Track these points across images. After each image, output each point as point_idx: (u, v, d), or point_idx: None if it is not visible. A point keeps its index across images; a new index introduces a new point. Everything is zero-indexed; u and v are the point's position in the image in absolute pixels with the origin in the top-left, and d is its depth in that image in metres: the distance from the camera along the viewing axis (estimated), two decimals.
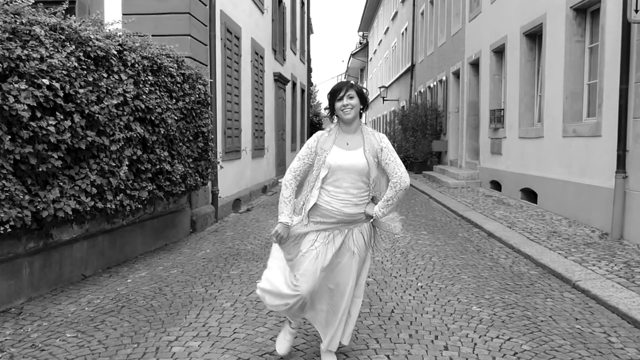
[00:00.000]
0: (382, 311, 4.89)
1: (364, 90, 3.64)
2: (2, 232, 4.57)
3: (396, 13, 31.56)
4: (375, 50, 43.05)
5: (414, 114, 21.62)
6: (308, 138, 31.49)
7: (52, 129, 4.78)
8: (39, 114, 4.74)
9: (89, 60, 5.43)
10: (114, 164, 5.78)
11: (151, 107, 6.44)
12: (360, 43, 51.53)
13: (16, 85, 4.53)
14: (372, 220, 3.66)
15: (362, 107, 3.61)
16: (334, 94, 3.57)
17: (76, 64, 5.14)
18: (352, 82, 3.65)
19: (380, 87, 32.28)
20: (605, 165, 8.25)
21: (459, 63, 17.70)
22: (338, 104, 3.55)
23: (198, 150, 8.08)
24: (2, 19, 4.73)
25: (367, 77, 48.58)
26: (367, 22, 45.45)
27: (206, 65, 9.56)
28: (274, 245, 3.69)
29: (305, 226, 3.58)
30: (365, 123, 3.83)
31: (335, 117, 3.64)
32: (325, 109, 3.72)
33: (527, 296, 5.36)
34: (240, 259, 6.95)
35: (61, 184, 5.11)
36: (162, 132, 6.76)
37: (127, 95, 5.96)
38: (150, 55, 6.65)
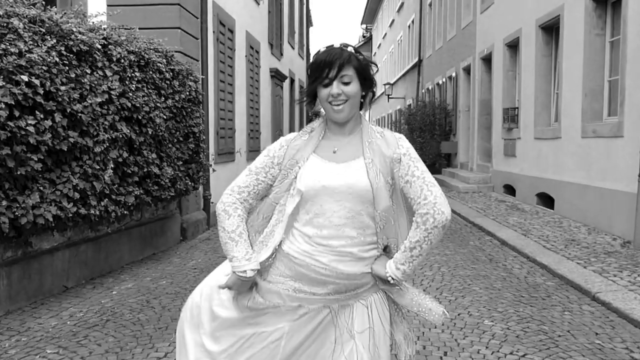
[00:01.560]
0: None
1: (371, 67, 2.36)
2: None
3: (402, 4, 31.63)
4: (380, 44, 43.13)
5: (422, 113, 21.65)
6: None
7: (31, 129, 4.79)
8: (17, 113, 4.74)
9: (71, 55, 5.44)
10: (98, 167, 5.79)
11: (138, 105, 6.45)
12: (364, 36, 51.63)
13: None
14: (386, 286, 2.35)
15: (364, 94, 2.36)
16: (317, 72, 2.29)
17: (57, 59, 5.15)
18: (350, 48, 2.32)
19: (385, 84, 32.34)
20: (628, 168, 8.25)
21: (469, 58, 17.73)
22: (323, 91, 2.29)
23: (189, 152, 8.09)
24: None
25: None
26: (370, 14, 45.56)
27: (197, 61, 9.57)
28: (208, 290, 2.60)
29: (266, 282, 2.36)
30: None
31: (318, 107, 2.43)
32: (300, 94, 2.62)
33: (544, 309, 5.36)
34: None
35: (41, 188, 5.12)
36: (150, 133, 6.77)
37: (112, 92, 5.97)
38: (137, 50, 6.67)
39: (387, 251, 2.34)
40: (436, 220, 2.19)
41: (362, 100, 2.36)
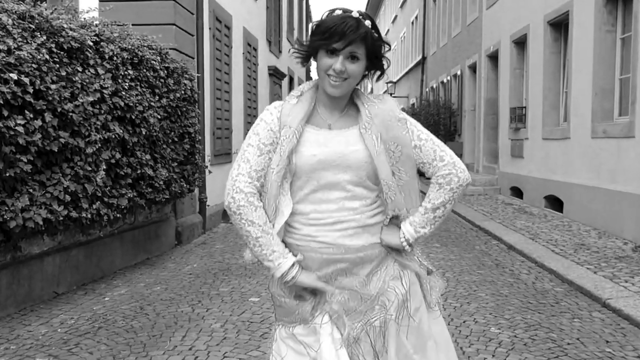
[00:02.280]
0: None
1: (384, 46, 2.22)
2: None
3: (405, 0, 31.64)
4: None
5: (425, 112, 21.66)
6: None
7: (20, 129, 4.79)
8: (5, 113, 4.74)
9: (62, 53, 5.45)
10: (90, 169, 5.79)
11: (131, 104, 6.46)
12: None
13: None
14: (397, 254, 2.29)
15: (366, 72, 2.25)
16: (324, 37, 2.12)
17: (47, 57, 5.16)
18: (367, 22, 2.13)
19: (387, 83, 32.36)
20: (639, 169, 8.26)
21: (475, 55, 17.74)
22: (325, 61, 2.14)
23: (184, 153, 8.09)
24: None
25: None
26: (372, 10, 45.54)
27: (193, 58, 9.58)
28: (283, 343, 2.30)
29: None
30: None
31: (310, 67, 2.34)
32: (297, 49, 2.30)
33: (552, 316, 5.36)
34: (231, 274, 6.95)
35: (31, 190, 5.12)
36: (144, 133, 6.77)
37: (105, 91, 5.98)
38: (130, 47, 6.67)
39: (395, 222, 2.26)
40: (460, 179, 2.21)
41: (364, 74, 2.24)
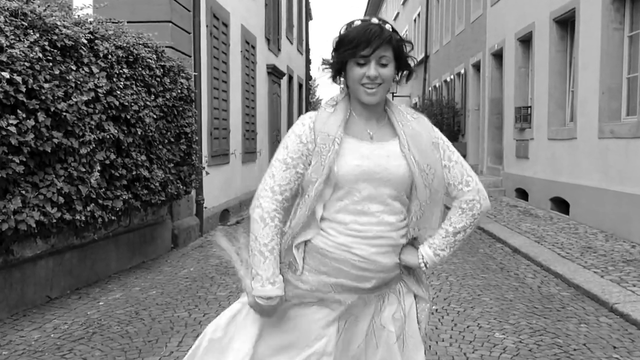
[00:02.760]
0: None
1: (406, 45, 2.31)
2: None
3: None
4: None
5: (428, 112, 21.65)
6: None
7: (12, 129, 4.79)
8: None
9: (55, 51, 5.45)
10: (84, 170, 5.79)
11: (126, 104, 6.46)
12: None
13: None
14: (409, 275, 2.43)
15: (398, 75, 2.34)
16: (350, 48, 2.21)
17: (40, 55, 5.16)
18: (388, 26, 2.24)
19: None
20: None
21: (479, 54, 17.74)
22: (357, 71, 2.21)
23: (180, 154, 8.09)
24: None
25: None
26: (374, 7, 45.53)
27: (190, 57, 9.58)
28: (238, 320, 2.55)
29: (301, 282, 2.30)
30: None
31: (342, 84, 2.36)
32: (324, 63, 2.36)
33: (558, 321, 5.36)
34: (228, 278, 6.95)
35: (23, 192, 5.12)
36: (139, 133, 6.77)
37: (99, 90, 5.98)
38: (125, 45, 6.68)
39: (414, 244, 2.37)
40: (482, 207, 2.36)
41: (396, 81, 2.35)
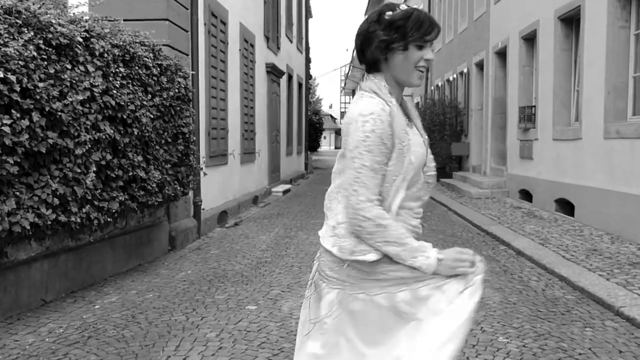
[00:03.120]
0: None
1: None
2: None
3: None
4: None
5: (430, 112, 21.67)
6: (306, 141, 30.07)
7: (6, 129, 4.79)
8: None
9: (50, 49, 5.45)
10: (80, 171, 5.79)
11: (123, 103, 6.46)
12: None
13: None
14: None
15: None
16: (418, 30, 2.27)
17: (35, 54, 5.16)
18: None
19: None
20: None
21: (482, 52, 17.75)
22: (416, 54, 2.29)
23: (178, 155, 8.09)
24: None
25: None
26: (375, 4, 45.53)
27: (187, 55, 9.59)
28: None
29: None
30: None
31: (379, 65, 2.37)
32: (386, 40, 2.29)
33: (563, 325, 5.36)
34: (226, 281, 6.96)
35: (17, 193, 5.12)
36: (136, 133, 6.77)
37: (95, 89, 5.98)
38: (121, 43, 6.68)
39: None
40: None
41: None
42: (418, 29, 2.25)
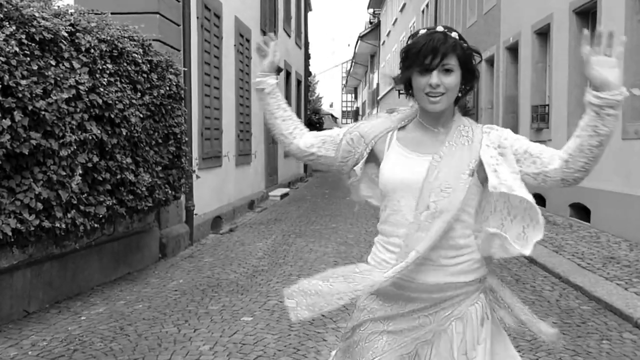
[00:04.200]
0: None
1: (474, 56, 2.47)
2: None
3: None
4: (389, 31, 43.18)
5: None
6: None
7: None
8: None
9: (34, 45, 5.45)
10: (65, 173, 5.79)
11: (110, 102, 6.46)
12: (371, 23, 51.76)
13: None
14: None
15: (464, 87, 2.48)
16: (415, 58, 2.37)
17: (17, 49, 5.16)
18: (454, 34, 2.42)
19: (394, 78, 32.35)
20: None
21: (492, 48, 17.76)
22: (421, 80, 2.38)
23: (169, 156, 8.10)
24: None
25: (379, 65, 48.72)
26: None
27: (179, 51, 9.59)
28: None
29: (363, 312, 2.51)
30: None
31: (410, 96, 2.54)
32: (391, 77, 2.75)
33: (578, 337, 5.36)
34: (221, 291, 6.96)
35: None
36: (124, 134, 6.78)
37: (81, 87, 5.98)
38: (109, 38, 6.68)
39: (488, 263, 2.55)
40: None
41: (459, 93, 2.47)
42: (414, 57, 2.35)
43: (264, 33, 16.25)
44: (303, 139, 2.66)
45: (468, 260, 2.42)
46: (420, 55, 2.33)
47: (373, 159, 2.54)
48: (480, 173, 2.37)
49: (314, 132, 2.68)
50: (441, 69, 2.33)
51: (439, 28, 2.40)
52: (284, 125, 2.70)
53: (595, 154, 2.23)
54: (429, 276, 2.36)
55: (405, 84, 2.49)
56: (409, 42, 2.42)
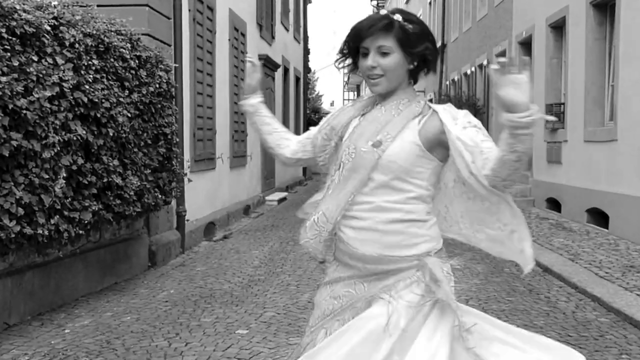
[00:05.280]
0: None
1: (425, 36, 2.63)
2: None
3: None
4: None
5: None
6: None
7: None
8: None
9: (14, 39, 5.45)
10: (47, 177, 5.79)
11: (96, 100, 6.47)
12: None
13: None
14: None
15: (414, 66, 2.66)
16: (354, 39, 2.64)
17: None
18: (397, 16, 2.56)
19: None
20: None
21: (504, 42, 17.78)
22: (362, 63, 2.64)
23: (159, 158, 8.10)
24: None
25: None
26: None
27: (169, 46, 9.60)
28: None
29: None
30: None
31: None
32: (340, 57, 2.78)
33: (596, 351, 5.36)
34: (214, 302, 6.96)
35: None
36: (111, 134, 6.78)
37: (65, 84, 5.98)
38: (95, 32, 6.68)
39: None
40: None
41: (413, 74, 2.69)
42: (353, 38, 2.63)
43: (260, 27, 16.28)
44: (290, 147, 2.97)
45: (407, 232, 2.58)
46: (357, 36, 2.59)
47: None
48: (437, 149, 2.60)
49: (298, 138, 2.98)
50: (377, 50, 2.55)
51: (383, 11, 2.60)
52: (270, 139, 3.01)
53: (516, 166, 2.42)
54: (366, 245, 2.59)
55: (353, 65, 2.75)
56: (352, 28, 2.64)
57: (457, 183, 2.65)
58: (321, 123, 2.85)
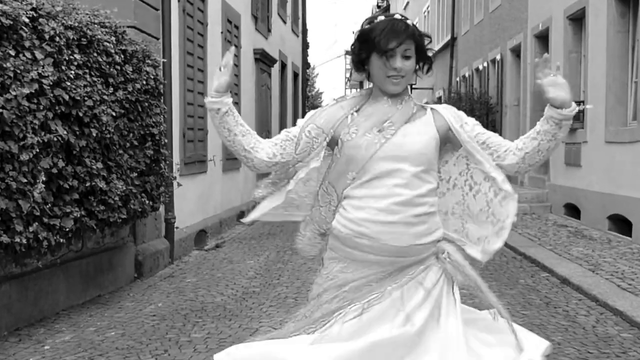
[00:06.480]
0: None
1: (425, 39, 3.16)
2: None
3: None
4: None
5: (456, 108, 21.65)
6: None
7: None
8: None
9: None
10: (26, 181, 5.79)
11: (78, 98, 6.47)
12: (379, 7, 51.83)
13: None
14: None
15: (419, 67, 3.16)
16: (377, 41, 2.99)
17: None
18: (410, 22, 3.09)
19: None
20: None
21: (519, 35, 17.79)
22: (383, 64, 3.03)
23: (146, 161, 8.10)
24: None
25: None
26: None
27: (158, 39, 9.61)
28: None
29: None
30: None
31: (365, 75, 3.21)
32: (349, 53, 3.27)
33: None
34: (205, 316, 6.96)
35: None
36: (95, 135, 6.78)
37: (44, 81, 5.98)
38: (77, 25, 6.69)
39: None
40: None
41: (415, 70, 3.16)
42: (375, 40, 2.98)
43: (255, 19, 16.29)
44: (265, 150, 3.17)
45: (429, 222, 3.09)
46: (382, 39, 2.96)
47: (332, 143, 3.12)
48: (444, 144, 3.18)
49: (270, 141, 3.22)
50: (402, 54, 3.00)
51: (397, 16, 3.09)
52: (244, 141, 3.16)
53: (549, 154, 3.14)
54: (397, 238, 3.00)
55: (359, 63, 3.14)
56: (367, 27, 3.08)
57: (462, 176, 3.24)
58: (301, 123, 3.17)
